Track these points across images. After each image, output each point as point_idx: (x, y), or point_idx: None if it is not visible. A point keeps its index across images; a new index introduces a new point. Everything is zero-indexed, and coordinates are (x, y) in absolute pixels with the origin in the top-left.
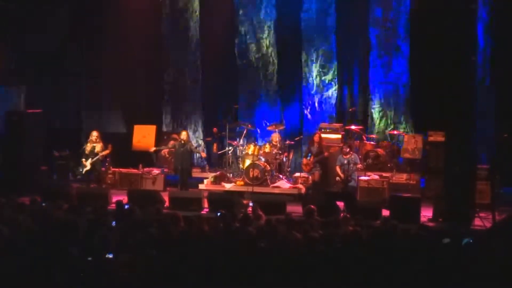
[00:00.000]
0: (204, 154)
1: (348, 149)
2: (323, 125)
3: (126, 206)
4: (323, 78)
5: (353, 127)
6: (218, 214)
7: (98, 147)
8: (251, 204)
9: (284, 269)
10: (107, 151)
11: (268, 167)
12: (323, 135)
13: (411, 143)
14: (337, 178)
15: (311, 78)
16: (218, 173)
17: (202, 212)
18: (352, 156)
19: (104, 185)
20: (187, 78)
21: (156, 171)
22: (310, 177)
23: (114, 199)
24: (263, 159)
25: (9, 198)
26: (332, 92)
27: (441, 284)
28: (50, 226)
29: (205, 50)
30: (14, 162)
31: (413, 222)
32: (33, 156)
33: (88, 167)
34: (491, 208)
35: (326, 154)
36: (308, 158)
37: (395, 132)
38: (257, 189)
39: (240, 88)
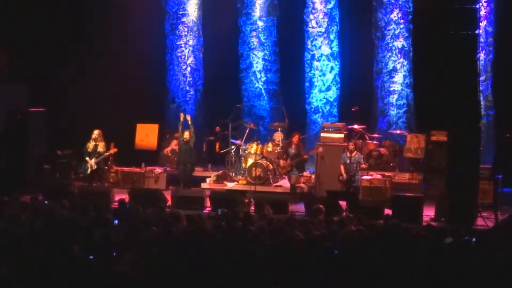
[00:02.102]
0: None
1: (353, 147)
2: (325, 124)
3: (128, 205)
4: (325, 77)
5: (355, 126)
6: (219, 211)
7: (101, 145)
8: (252, 200)
9: (286, 269)
10: (114, 150)
11: (271, 166)
12: (326, 135)
13: (413, 143)
14: (340, 177)
15: (313, 77)
16: (220, 172)
17: (205, 211)
18: (356, 156)
19: (106, 184)
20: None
21: (158, 169)
22: (286, 179)
23: (117, 198)
24: (265, 158)
25: (11, 196)
26: (335, 91)
27: (443, 284)
28: (52, 224)
29: (207, 48)
30: (16, 160)
31: (415, 221)
32: (35, 154)
33: (94, 166)
34: (494, 208)
35: (305, 156)
36: (285, 160)
37: (398, 131)
38: (260, 188)
39: (243, 87)
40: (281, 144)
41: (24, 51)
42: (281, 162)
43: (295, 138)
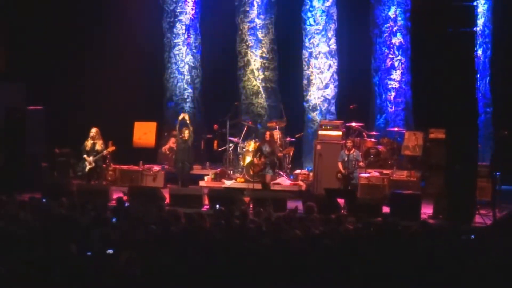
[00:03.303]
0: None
1: (351, 145)
2: (323, 122)
3: (126, 204)
4: (323, 75)
5: (353, 124)
6: (217, 206)
7: (99, 143)
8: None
9: (285, 267)
10: (112, 148)
11: None
12: (323, 132)
13: (411, 140)
14: (338, 174)
15: (311, 75)
16: (218, 170)
17: (203, 209)
18: (354, 153)
19: (104, 182)
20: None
21: (156, 167)
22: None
23: (115, 196)
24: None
25: (10, 195)
26: (333, 88)
27: (441, 281)
28: (50, 223)
29: (205, 47)
30: (15, 159)
31: (413, 219)
32: (34, 153)
33: (92, 164)
34: (492, 206)
35: (280, 155)
36: (259, 158)
37: (396, 129)
38: (258, 186)
39: (241, 85)
40: (279, 142)
41: (23, 49)
42: (255, 160)
43: (267, 136)
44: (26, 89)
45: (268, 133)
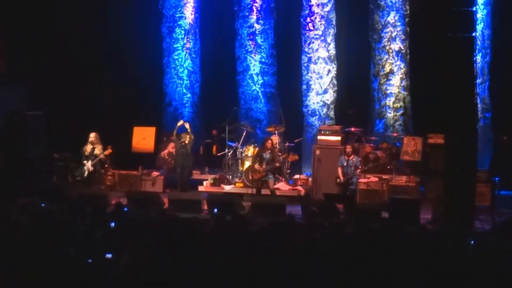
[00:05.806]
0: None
1: (351, 150)
2: (322, 127)
3: (125, 209)
4: (322, 80)
5: (352, 129)
6: (214, 210)
7: (98, 148)
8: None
9: (285, 271)
10: (109, 151)
11: None
12: (322, 137)
13: (410, 145)
14: (337, 180)
15: (310, 80)
16: (217, 175)
17: (202, 214)
18: (354, 159)
19: (103, 187)
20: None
21: (155, 172)
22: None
23: (114, 201)
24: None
25: (9, 199)
26: (332, 93)
27: (441, 287)
28: (49, 227)
29: (205, 51)
30: (14, 163)
31: (412, 224)
32: (33, 157)
33: (91, 169)
34: (491, 211)
35: (277, 164)
36: (260, 165)
37: (395, 134)
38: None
39: (240, 90)
40: (278, 147)
41: (24, 53)
42: (256, 166)
43: (269, 143)
44: (26, 93)
45: (269, 141)
